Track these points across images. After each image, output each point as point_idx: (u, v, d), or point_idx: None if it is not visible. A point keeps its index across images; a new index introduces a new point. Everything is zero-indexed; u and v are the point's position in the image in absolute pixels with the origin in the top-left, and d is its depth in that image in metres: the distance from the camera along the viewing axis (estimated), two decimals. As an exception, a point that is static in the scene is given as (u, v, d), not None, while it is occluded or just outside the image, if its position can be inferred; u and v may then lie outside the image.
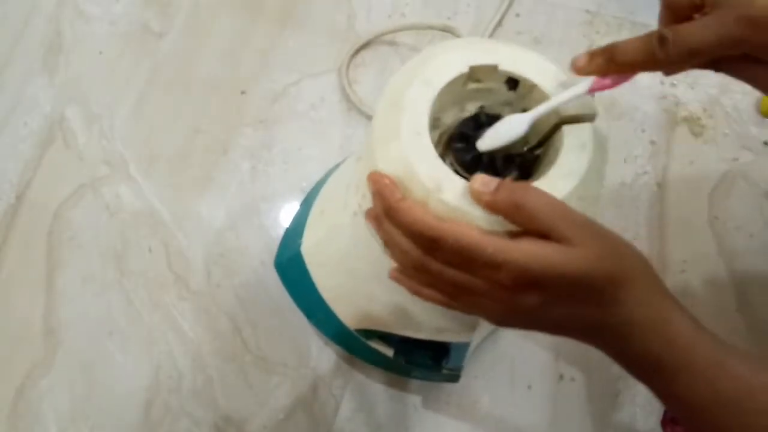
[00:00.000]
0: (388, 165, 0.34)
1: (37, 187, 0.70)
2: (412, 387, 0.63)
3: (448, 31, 0.77)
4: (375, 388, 0.63)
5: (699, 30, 0.32)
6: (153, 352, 0.64)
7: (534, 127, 0.36)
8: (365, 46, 0.76)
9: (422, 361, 0.54)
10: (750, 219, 0.71)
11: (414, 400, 0.63)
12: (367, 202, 0.37)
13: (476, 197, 0.32)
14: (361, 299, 0.49)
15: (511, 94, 0.38)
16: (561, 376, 0.64)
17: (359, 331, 0.53)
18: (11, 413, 0.61)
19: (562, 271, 0.30)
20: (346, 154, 0.71)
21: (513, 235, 0.31)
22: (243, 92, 0.75)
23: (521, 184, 0.31)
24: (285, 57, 0.77)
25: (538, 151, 0.38)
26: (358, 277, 0.47)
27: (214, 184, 0.70)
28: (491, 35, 0.77)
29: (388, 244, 0.36)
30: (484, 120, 0.37)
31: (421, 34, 0.78)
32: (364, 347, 0.55)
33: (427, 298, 0.36)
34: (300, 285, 0.55)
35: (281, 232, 0.64)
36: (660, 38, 0.32)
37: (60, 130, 0.72)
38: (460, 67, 0.36)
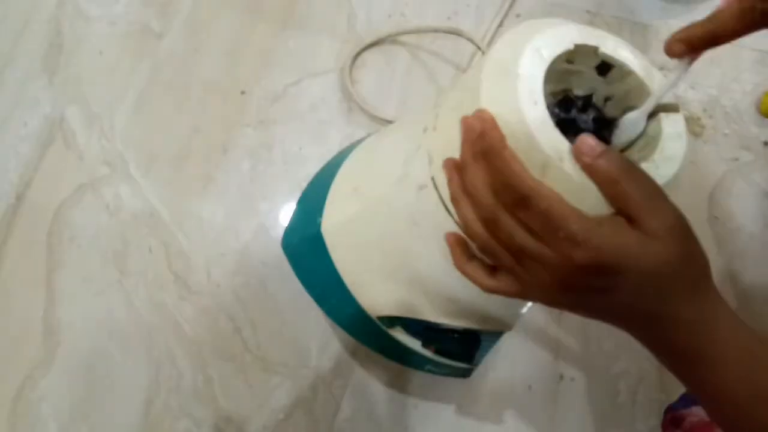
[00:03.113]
0: (503, 128, 0.33)
1: (37, 187, 0.70)
2: (412, 387, 0.63)
3: (455, 33, 0.77)
4: (375, 388, 0.63)
5: None
6: (153, 352, 0.64)
7: (619, 112, 0.36)
8: (369, 46, 0.76)
9: (453, 351, 0.52)
10: (750, 219, 0.71)
11: (414, 400, 0.63)
12: (443, 175, 0.36)
13: (577, 157, 0.31)
14: (400, 282, 0.47)
15: (598, 80, 0.38)
16: (561, 376, 0.64)
17: (381, 318, 0.51)
18: (11, 413, 0.61)
19: (636, 261, 0.30)
20: (346, 154, 0.71)
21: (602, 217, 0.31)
22: (243, 92, 0.75)
23: (626, 160, 0.31)
24: (285, 57, 0.77)
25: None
26: (408, 257, 0.45)
27: (214, 184, 0.70)
28: (492, 36, 0.78)
29: (460, 199, 0.35)
30: (576, 101, 0.38)
31: (423, 34, 0.78)
32: (382, 337, 0.52)
33: (470, 276, 0.36)
34: (314, 268, 0.52)
35: (281, 232, 0.63)
36: None
37: (60, 130, 0.72)
38: (566, 44, 0.35)
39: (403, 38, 0.78)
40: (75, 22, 0.78)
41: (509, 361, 0.64)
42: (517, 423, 0.63)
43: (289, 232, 0.58)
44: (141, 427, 0.61)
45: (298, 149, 0.72)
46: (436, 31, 0.77)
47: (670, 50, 0.33)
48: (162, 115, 0.73)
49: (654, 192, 0.31)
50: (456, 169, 0.35)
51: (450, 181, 0.36)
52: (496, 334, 0.53)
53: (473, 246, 0.37)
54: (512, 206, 0.32)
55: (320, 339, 0.64)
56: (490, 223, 0.33)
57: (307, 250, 0.53)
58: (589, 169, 0.31)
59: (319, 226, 0.51)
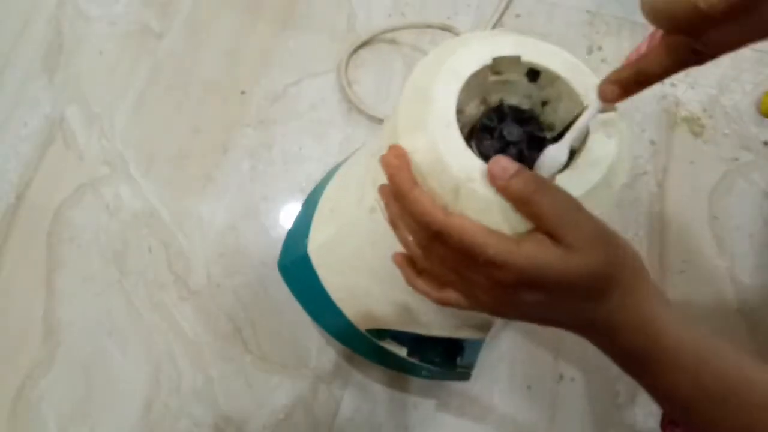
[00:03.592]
0: (415, 155, 0.34)
1: (37, 187, 0.70)
2: (412, 387, 0.63)
3: (448, 29, 0.77)
4: (375, 388, 0.63)
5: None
6: (153, 352, 0.64)
7: (557, 114, 0.36)
8: (365, 45, 0.76)
9: (436, 359, 0.54)
10: (750, 219, 0.71)
11: (414, 400, 0.63)
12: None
13: (491, 180, 0.32)
14: (374, 299, 0.49)
15: (531, 87, 0.38)
16: (561, 376, 0.64)
17: (370, 331, 0.53)
18: (11, 413, 0.61)
19: (560, 276, 0.31)
20: (346, 154, 0.71)
21: (520, 235, 0.32)
22: (243, 92, 0.75)
23: (538, 179, 0.31)
24: (285, 57, 0.77)
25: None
26: (374, 276, 0.47)
27: (214, 184, 0.70)
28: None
29: (397, 223, 0.36)
30: (507, 111, 0.38)
31: (421, 33, 0.78)
32: (374, 348, 0.55)
33: (420, 291, 0.37)
34: (306, 287, 0.55)
35: (281, 232, 0.63)
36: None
37: (60, 130, 0.72)
38: (484, 59, 0.36)
39: (402, 38, 0.78)
40: (75, 22, 0.78)
41: (509, 361, 0.64)
42: (517, 423, 0.63)
43: (283, 252, 0.61)
44: (141, 427, 0.61)
45: (298, 149, 0.72)
46: (429, 26, 0.77)
47: (603, 94, 0.33)
48: (162, 115, 0.73)
49: (568, 206, 0.31)
50: (388, 198, 0.36)
51: (386, 207, 0.37)
52: (479, 341, 0.54)
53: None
54: (434, 240, 0.33)
55: (320, 339, 0.64)
56: (424, 249, 0.35)
57: (297, 270, 0.55)
58: (502, 192, 0.32)
59: (305, 247, 0.53)
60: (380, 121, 0.73)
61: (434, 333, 0.49)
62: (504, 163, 0.32)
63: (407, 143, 0.34)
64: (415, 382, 0.63)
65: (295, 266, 0.56)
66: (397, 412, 0.63)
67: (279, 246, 0.61)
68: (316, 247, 0.52)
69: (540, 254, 0.31)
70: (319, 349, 0.64)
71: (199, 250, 0.67)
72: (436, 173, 0.33)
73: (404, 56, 0.77)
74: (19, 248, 0.67)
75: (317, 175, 0.70)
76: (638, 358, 0.34)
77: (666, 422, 0.61)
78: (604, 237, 0.32)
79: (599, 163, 0.34)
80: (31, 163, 0.71)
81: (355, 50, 0.76)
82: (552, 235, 0.31)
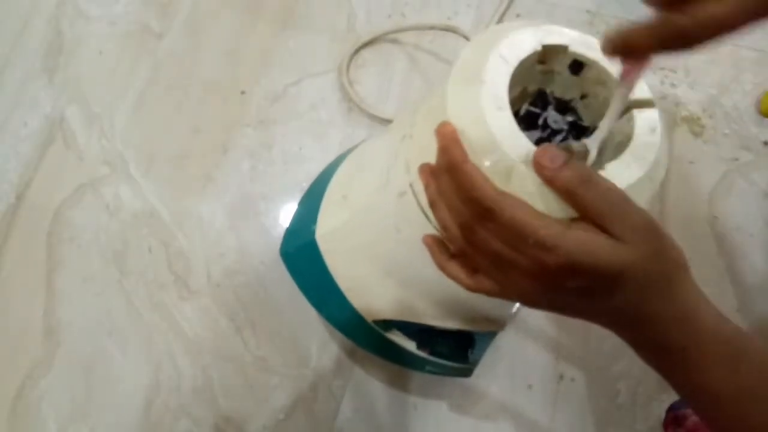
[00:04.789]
0: (464, 136, 0.33)
1: (37, 187, 0.70)
2: (412, 387, 0.63)
3: (450, 29, 0.77)
4: (375, 388, 0.63)
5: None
6: (153, 352, 0.64)
7: (596, 110, 0.36)
8: (367, 45, 0.76)
9: (447, 352, 0.53)
10: (750, 219, 0.71)
11: (414, 400, 0.63)
12: (420, 181, 0.36)
13: (538, 169, 0.31)
14: (389, 288, 0.48)
15: (573, 79, 0.38)
16: (561, 376, 0.64)
17: (377, 322, 0.52)
18: (11, 413, 0.61)
19: (607, 265, 0.30)
20: (346, 154, 0.71)
21: (570, 220, 0.31)
22: (243, 92, 0.75)
23: (586, 170, 0.31)
24: (285, 57, 0.77)
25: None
26: (393, 263, 0.46)
27: (214, 184, 0.70)
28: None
29: (437, 203, 0.35)
30: (551, 101, 0.38)
31: (422, 33, 0.78)
32: (379, 340, 0.53)
33: (451, 275, 0.36)
34: (311, 275, 0.53)
35: (281, 232, 0.63)
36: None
37: (60, 130, 0.72)
38: (533, 45, 0.36)
39: (403, 38, 0.78)
40: (75, 22, 0.78)
41: (509, 361, 0.64)
42: (517, 423, 0.63)
43: (287, 239, 0.59)
44: (141, 427, 0.61)
45: (298, 149, 0.72)
46: (432, 28, 0.77)
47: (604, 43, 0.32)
48: (162, 115, 0.73)
49: (615, 199, 0.31)
50: (432, 174, 0.36)
51: (427, 187, 0.36)
52: (491, 334, 0.54)
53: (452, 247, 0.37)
54: (479, 218, 0.33)
55: (320, 339, 0.64)
56: (465, 230, 0.34)
57: (303, 257, 0.54)
58: (549, 182, 0.31)
59: (313, 233, 0.52)
60: (381, 120, 0.73)
61: (450, 325, 0.48)
62: (552, 152, 0.31)
63: (460, 126, 0.34)
64: (416, 382, 0.63)
65: (300, 253, 0.54)
66: (397, 412, 0.63)
67: (279, 246, 0.61)
68: (325, 233, 0.51)
69: (589, 240, 0.30)
70: (320, 349, 0.64)
71: (199, 250, 0.67)
72: (488, 154, 0.32)
73: (405, 56, 0.77)
74: (19, 248, 0.67)
75: (317, 175, 0.70)
76: (675, 354, 0.33)
77: (668, 420, 0.61)
78: (651, 229, 0.32)
79: (644, 157, 0.34)
80: (31, 163, 0.71)
81: (357, 51, 0.76)
82: (599, 226, 0.31)
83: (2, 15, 0.78)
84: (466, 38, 0.76)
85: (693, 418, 0.58)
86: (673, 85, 0.76)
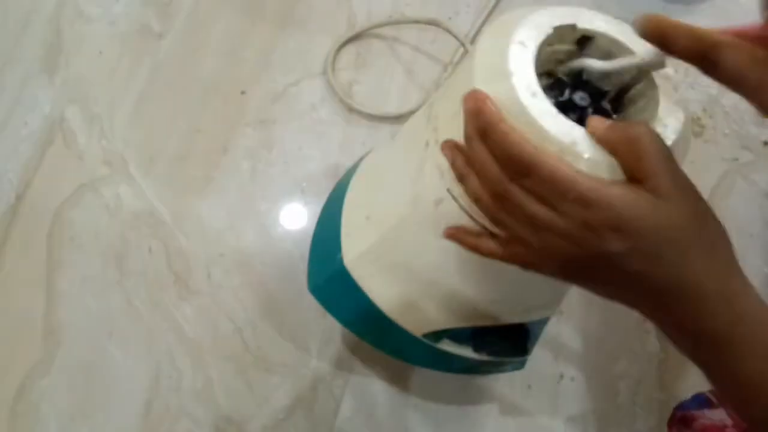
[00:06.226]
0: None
1: (37, 187, 0.70)
2: (412, 387, 0.63)
3: (443, 27, 0.77)
4: (375, 387, 0.63)
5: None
6: (153, 352, 0.64)
7: (612, 79, 0.37)
8: (366, 45, 0.76)
9: (507, 348, 0.52)
10: (750, 219, 0.71)
11: (414, 400, 0.63)
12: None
13: (592, 130, 0.32)
14: (437, 296, 0.47)
15: (578, 55, 0.39)
16: (561, 376, 0.64)
17: (426, 335, 0.50)
18: (11, 413, 0.61)
19: (650, 222, 0.29)
20: (346, 154, 0.71)
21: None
22: (243, 92, 0.75)
23: (638, 121, 0.32)
24: (285, 57, 0.77)
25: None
26: (439, 271, 0.45)
27: (214, 184, 0.70)
28: (476, 32, 0.77)
29: (467, 176, 0.35)
30: (567, 82, 0.38)
31: (422, 34, 0.78)
32: (432, 353, 0.51)
33: (485, 250, 0.36)
34: (348, 304, 0.51)
35: (281, 232, 0.63)
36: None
37: (60, 130, 0.72)
38: (546, 29, 0.36)
39: (404, 39, 0.78)
40: (75, 22, 0.78)
41: (509, 361, 0.64)
42: (517, 422, 0.63)
43: (312, 273, 0.57)
44: (141, 427, 0.61)
45: (298, 149, 0.72)
46: (416, 22, 0.78)
47: (638, 23, 0.35)
48: (162, 115, 0.73)
49: (666, 152, 0.31)
50: (457, 148, 0.35)
51: (453, 162, 0.36)
52: (542, 321, 0.52)
53: (486, 224, 0.37)
54: (517, 176, 0.32)
55: (320, 339, 0.64)
56: (499, 196, 0.33)
57: (335, 288, 0.52)
58: (605, 138, 0.31)
59: (341, 261, 0.50)
60: (382, 119, 0.73)
61: (505, 320, 0.47)
62: (600, 118, 0.33)
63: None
64: (415, 381, 0.63)
65: (331, 284, 0.52)
66: (397, 412, 0.63)
67: (279, 246, 0.61)
68: (353, 258, 0.49)
69: (631, 195, 0.30)
70: (319, 349, 0.64)
71: (199, 250, 0.67)
72: (538, 142, 0.32)
73: (405, 56, 0.77)
74: (19, 248, 0.67)
75: (318, 176, 0.70)
76: (713, 338, 0.31)
77: (675, 421, 0.60)
78: (694, 191, 0.31)
79: (671, 131, 0.34)
80: (31, 163, 0.71)
81: (343, 45, 0.76)
82: (645, 181, 0.30)
83: (2, 15, 0.78)
84: (448, 31, 0.76)
85: (702, 421, 0.57)
86: (673, 85, 0.76)
